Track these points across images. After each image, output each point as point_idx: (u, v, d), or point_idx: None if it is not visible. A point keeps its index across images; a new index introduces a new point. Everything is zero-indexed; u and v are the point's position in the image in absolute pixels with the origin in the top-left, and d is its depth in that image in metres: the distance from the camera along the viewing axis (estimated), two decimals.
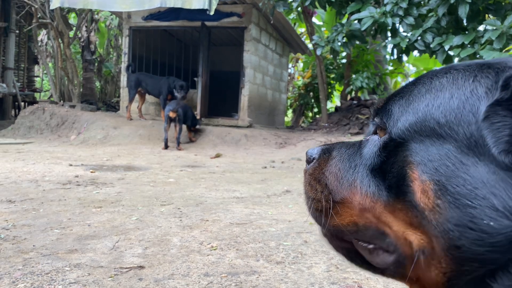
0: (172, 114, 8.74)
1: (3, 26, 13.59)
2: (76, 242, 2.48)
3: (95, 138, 9.69)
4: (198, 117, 10.38)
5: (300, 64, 19.93)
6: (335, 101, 18.80)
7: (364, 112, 11.37)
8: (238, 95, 11.54)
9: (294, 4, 9.16)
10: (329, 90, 14.44)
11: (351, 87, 12.01)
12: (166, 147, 8.77)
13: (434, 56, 6.91)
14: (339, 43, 7.77)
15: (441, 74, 0.62)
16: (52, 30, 13.70)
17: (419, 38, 6.67)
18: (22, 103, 14.45)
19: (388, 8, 6.75)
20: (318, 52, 8.66)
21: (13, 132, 11.00)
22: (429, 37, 6.54)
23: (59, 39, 13.40)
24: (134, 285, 1.89)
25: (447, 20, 6.48)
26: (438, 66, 15.44)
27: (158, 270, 2.08)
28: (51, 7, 10.56)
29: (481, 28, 6.46)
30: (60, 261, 2.15)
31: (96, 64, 18.13)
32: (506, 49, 5.31)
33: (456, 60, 6.44)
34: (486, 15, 6.69)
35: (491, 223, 0.48)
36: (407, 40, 6.80)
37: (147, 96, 11.67)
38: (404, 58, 7.38)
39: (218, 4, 9.47)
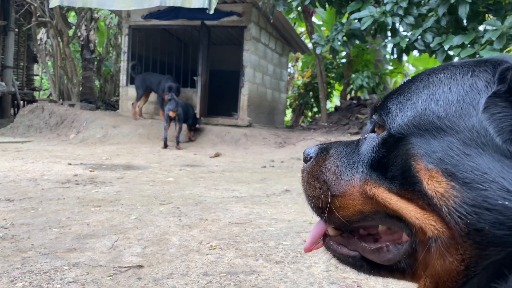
0: (172, 114, 8.74)
1: (2, 24, 13.57)
2: (75, 241, 2.47)
3: (94, 137, 9.68)
4: (197, 116, 10.37)
5: (300, 64, 19.92)
6: (334, 101, 18.80)
7: (364, 111, 11.37)
8: (237, 95, 11.53)
9: (294, 3, 9.15)
10: (329, 90, 14.44)
11: (351, 86, 12.01)
12: (166, 146, 8.76)
13: (434, 56, 6.90)
14: (339, 42, 7.76)
15: (438, 70, 0.64)
16: (51, 29, 13.69)
17: (419, 37, 6.66)
18: (21, 102, 14.44)
19: (388, 7, 6.75)
20: (318, 51, 8.65)
21: (12, 130, 10.99)
22: (429, 36, 6.54)
23: (59, 38, 13.38)
24: (133, 285, 1.89)
25: (447, 20, 6.47)
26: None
27: (157, 269, 2.08)
28: (51, 6, 10.54)
29: (481, 28, 6.46)
30: (58, 260, 2.14)
31: (95, 63, 18.12)
32: (507, 49, 5.31)
33: (456, 60, 6.44)
34: (486, 15, 6.69)
35: (506, 203, 0.49)
36: (407, 39, 6.79)
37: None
38: (404, 57, 7.38)
39: (218, 3, 9.45)
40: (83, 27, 16.49)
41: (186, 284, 1.91)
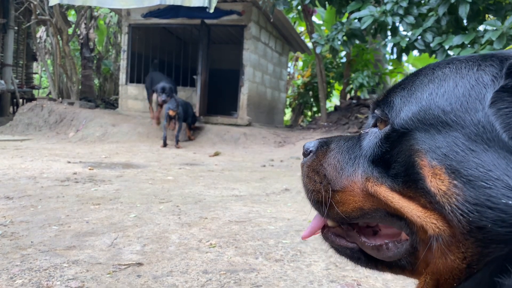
0: (172, 113, 8.73)
1: (1, 22, 13.55)
2: (74, 238, 2.47)
3: (94, 136, 9.67)
4: (197, 115, 10.36)
5: (300, 63, 19.92)
6: (333, 101, 18.80)
7: (364, 111, 11.36)
8: (237, 94, 11.52)
9: (294, 3, 9.15)
10: (329, 89, 14.44)
11: (351, 86, 12.01)
12: (165, 145, 8.76)
13: (434, 55, 6.90)
14: (339, 42, 7.76)
15: (443, 65, 0.63)
16: (51, 27, 13.66)
17: (419, 37, 6.66)
18: (21, 100, 14.41)
19: (388, 7, 6.75)
20: (318, 50, 8.64)
21: (11, 129, 10.97)
22: (429, 36, 6.54)
23: (58, 36, 13.35)
24: (132, 282, 1.88)
25: (447, 19, 6.47)
26: None
27: (157, 267, 2.07)
28: (50, 4, 10.52)
29: (481, 28, 6.46)
30: (58, 258, 2.14)
31: (95, 61, 18.09)
32: (506, 49, 5.31)
33: None
34: (487, 15, 6.69)
35: (510, 202, 0.49)
36: (407, 39, 6.79)
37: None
38: (404, 57, 7.39)
39: (218, 2, 9.45)
40: (83, 26, 16.46)
41: (186, 281, 1.91)
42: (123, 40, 12.54)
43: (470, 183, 0.52)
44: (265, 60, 12.63)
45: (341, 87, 14.05)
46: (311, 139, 8.26)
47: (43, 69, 20.19)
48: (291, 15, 14.84)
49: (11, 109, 14.47)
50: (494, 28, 5.57)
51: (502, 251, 0.50)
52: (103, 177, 4.74)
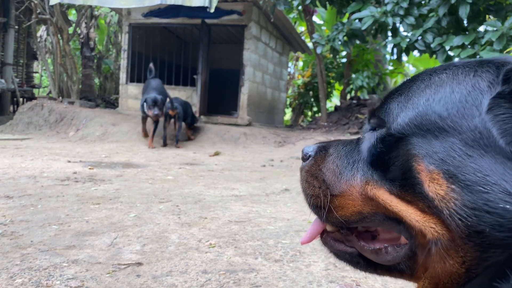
0: (171, 112, 8.74)
1: (2, 21, 13.55)
2: (74, 238, 2.47)
3: (94, 135, 9.67)
4: (197, 114, 10.36)
5: (300, 63, 19.92)
6: (334, 101, 18.80)
7: (364, 111, 11.37)
8: (237, 93, 11.53)
9: (295, 3, 9.16)
10: (329, 89, 14.44)
11: (351, 86, 12.01)
12: (165, 144, 8.76)
13: (434, 56, 6.91)
14: (340, 42, 7.77)
15: (440, 70, 0.63)
16: (51, 26, 13.66)
17: (419, 38, 6.67)
18: (21, 99, 14.42)
19: (388, 7, 6.75)
20: (318, 50, 8.65)
21: (11, 128, 10.98)
22: (429, 37, 6.54)
23: (59, 35, 13.36)
24: (132, 282, 1.89)
25: (447, 20, 6.47)
26: None
27: (156, 267, 2.08)
28: (51, 3, 10.54)
29: (481, 29, 6.46)
30: (58, 257, 2.14)
31: (95, 60, 18.09)
32: (507, 50, 5.31)
33: (456, 60, 6.44)
34: (487, 16, 6.69)
35: (507, 206, 0.49)
36: (408, 40, 6.80)
37: None
38: (404, 58, 7.40)
39: (218, 2, 9.44)
40: (83, 25, 16.47)
41: (185, 281, 1.91)
42: (124, 39, 12.55)
43: (468, 188, 0.52)
44: (265, 60, 12.64)
45: (341, 87, 14.07)
46: (311, 139, 8.28)
47: (44, 68, 20.20)
48: (291, 15, 14.83)
49: (11, 108, 14.47)
50: (494, 28, 5.57)
51: (501, 256, 0.50)
52: (103, 177, 4.74)
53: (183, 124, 9.40)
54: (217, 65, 14.33)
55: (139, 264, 2.11)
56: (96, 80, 19.03)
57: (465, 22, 6.68)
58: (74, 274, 1.94)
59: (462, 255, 0.54)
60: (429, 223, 0.57)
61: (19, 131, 10.68)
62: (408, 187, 0.59)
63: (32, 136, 9.86)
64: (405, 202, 0.60)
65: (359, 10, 7.48)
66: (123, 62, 12.48)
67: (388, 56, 13.84)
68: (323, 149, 0.79)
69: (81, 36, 16.72)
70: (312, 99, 15.80)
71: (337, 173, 0.73)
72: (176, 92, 11.35)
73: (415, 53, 7.39)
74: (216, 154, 7.93)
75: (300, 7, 10.60)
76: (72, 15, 18.36)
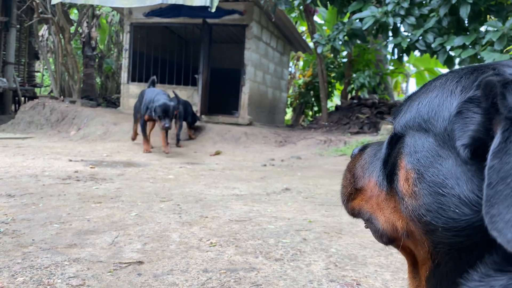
0: None
1: (4, 20, 13.57)
2: (75, 237, 2.49)
3: (95, 134, 9.69)
4: (198, 114, 10.36)
5: (301, 63, 19.92)
6: (334, 101, 18.80)
7: (364, 111, 11.37)
8: (238, 93, 11.54)
9: (296, 2, 9.16)
10: (330, 89, 14.44)
11: (352, 86, 12.02)
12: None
13: (435, 56, 6.90)
14: (340, 42, 7.76)
15: (439, 76, 0.68)
16: (53, 25, 13.68)
17: (420, 38, 6.66)
18: (22, 98, 14.43)
19: (389, 7, 6.75)
20: (319, 50, 8.65)
21: (13, 127, 11.00)
22: (430, 37, 6.54)
23: (60, 35, 13.38)
24: (133, 280, 1.90)
25: (448, 20, 6.47)
26: (438, 66, 15.46)
27: (157, 265, 2.09)
28: (52, 2, 10.55)
29: (482, 29, 6.45)
30: (59, 256, 2.15)
31: (96, 60, 18.11)
32: (507, 49, 5.31)
33: (457, 60, 6.44)
34: (488, 16, 6.68)
35: (456, 210, 0.53)
36: (408, 40, 6.79)
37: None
38: (405, 58, 7.38)
39: (219, 2, 9.46)
40: (85, 24, 16.49)
41: (186, 280, 1.92)
42: (125, 39, 12.56)
43: (429, 189, 0.56)
44: (266, 60, 12.64)
45: (342, 87, 14.07)
46: (312, 139, 8.28)
47: (45, 67, 20.22)
48: (292, 14, 14.84)
49: (13, 107, 14.49)
50: (495, 29, 5.57)
51: (453, 253, 0.55)
52: (105, 176, 4.75)
53: (184, 123, 9.41)
54: (218, 64, 14.34)
55: (140, 262, 2.12)
56: (98, 80, 19.05)
57: (466, 22, 6.68)
58: (75, 272, 1.96)
59: (427, 247, 0.59)
60: (400, 218, 0.63)
61: (20, 130, 10.70)
62: (391, 182, 0.65)
63: (34, 135, 9.88)
64: (389, 197, 0.67)
65: (360, 10, 7.48)
66: (125, 62, 12.49)
67: (388, 56, 13.84)
68: (363, 148, 0.87)
69: (83, 35, 16.74)
70: (313, 99, 15.80)
71: (364, 169, 0.80)
72: (177, 92, 11.30)
73: (416, 53, 7.38)
74: (217, 153, 7.94)
75: (301, 7, 10.60)
76: (74, 15, 18.39)
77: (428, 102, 0.62)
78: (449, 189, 0.53)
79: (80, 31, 16.47)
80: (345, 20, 8.27)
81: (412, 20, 6.72)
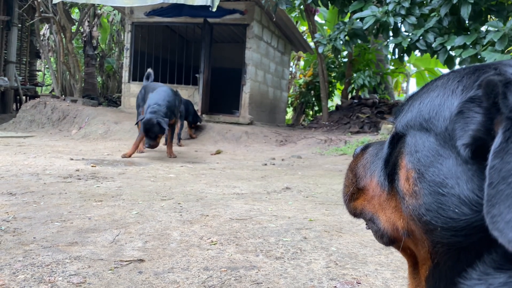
0: None
1: (5, 19, 13.59)
2: (76, 235, 2.49)
3: (96, 133, 9.70)
4: (199, 113, 10.37)
5: (302, 62, 19.93)
6: (334, 100, 18.80)
7: (365, 111, 11.37)
8: (239, 92, 11.55)
9: (297, 2, 9.16)
10: (330, 89, 14.45)
11: (352, 85, 12.02)
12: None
13: (435, 56, 6.91)
14: (341, 42, 7.77)
15: (441, 76, 0.68)
16: (54, 25, 13.70)
17: (420, 38, 6.66)
18: (24, 97, 14.45)
19: (390, 7, 6.75)
20: (320, 50, 8.65)
21: (14, 125, 11.02)
22: (430, 37, 6.54)
23: (61, 34, 13.40)
24: (134, 278, 1.91)
25: (449, 20, 6.47)
26: (439, 66, 15.45)
27: (158, 263, 2.10)
28: (54, 1, 10.57)
29: (483, 29, 6.46)
30: (60, 253, 2.16)
31: (98, 59, 18.13)
32: (508, 49, 5.31)
33: (457, 60, 6.44)
34: (489, 16, 6.68)
35: (456, 210, 0.53)
36: (409, 39, 6.79)
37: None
38: (405, 57, 7.38)
39: (220, 1, 9.46)
40: (86, 23, 16.51)
41: (187, 278, 1.93)
42: (126, 38, 12.57)
43: (429, 189, 0.56)
44: (267, 59, 12.65)
45: (342, 87, 14.08)
46: (313, 138, 8.28)
47: (46, 66, 20.25)
48: (293, 14, 14.84)
49: (14, 106, 14.52)
50: (496, 29, 5.57)
51: (452, 253, 0.55)
52: (106, 174, 4.76)
53: (185, 122, 9.42)
54: (219, 64, 14.35)
55: (141, 260, 2.13)
56: (99, 79, 19.07)
57: (466, 22, 6.68)
58: (77, 270, 1.96)
59: (427, 246, 0.59)
60: (401, 217, 0.63)
61: (22, 129, 10.72)
62: (392, 181, 0.65)
63: (35, 134, 9.90)
64: (390, 197, 0.66)
65: (360, 10, 7.48)
66: (126, 61, 12.50)
67: (389, 56, 13.85)
68: (365, 148, 0.87)
69: (84, 34, 16.76)
70: (314, 99, 15.81)
71: (366, 168, 0.80)
72: (178, 91, 11.35)
73: (416, 53, 7.38)
74: (218, 152, 7.95)
75: (302, 7, 10.60)
76: (75, 14, 18.41)
77: (429, 101, 0.62)
78: (449, 189, 0.53)
79: (82, 30, 16.49)
80: (346, 20, 8.27)
81: (412, 19, 6.72)
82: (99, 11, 17.21)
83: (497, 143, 0.47)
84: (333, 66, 14.11)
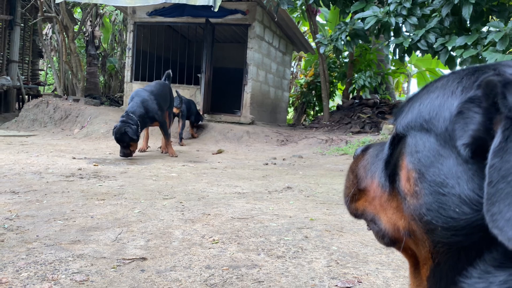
0: (175, 110, 8.77)
1: (8, 19, 13.62)
2: (79, 233, 2.51)
3: (98, 132, 9.72)
4: (201, 113, 10.39)
5: (303, 63, 19.93)
6: (335, 100, 18.80)
7: (366, 111, 11.38)
8: (241, 92, 11.56)
9: (298, 2, 9.18)
10: (331, 89, 14.45)
11: (354, 86, 12.02)
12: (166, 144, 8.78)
13: (436, 56, 6.91)
14: (342, 42, 7.78)
15: (441, 77, 0.69)
16: (57, 24, 13.72)
17: (422, 38, 6.67)
18: (26, 96, 14.49)
19: (391, 7, 6.76)
20: (321, 50, 8.66)
21: (16, 124, 11.05)
22: (432, 37, 6.54)
23: (64, 33, 13.42)
24: (136, 276, 1.92)
25: (450, 20, 6.47)
26: (440, 67, 15.44)
27: (160, 262, 2.11)
28: (56, 1, 10.58)
29: (484, 29, 6.46)
30: (63, 252, 2.18)
31: (100, 58, 18.14)
32: (510, 51, 5.32)
33: (458, 61, 6.44)
34: (490, 17, 6.69)
35: (456, 210, 0.54)
36: (410, 40, 6.80)
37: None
38: (406, 58, 7.38)
39: (222, 1, 9.48)
40: (88, 23, 16.52)
41: (189, 276, 1.95)
42: (128, 38, 12.59)
43: (430, 189, 0.57)
44: (268, 59, 12.66)
45: (343, 87, 14.07)
46: (314, 138, 8.28)
47: (49, 65, 20.28)
48: (295, 14, 14.85)
49: (16, 105, 14.55)
50: (497, 29, 5.57)
51: (453, 253, 0.56)
52: (108, 173, 4.78)
53: (187, 122, 9.44)
54: (220, 64, 14.36)
55: (143, 259, 2.14)
56: (101, 78, 19.09)
57: (468, 22, 6.68)
58: (79, 268, 1.98)
59: (428, 246, 0.59)
60: (402, 217, 0.64)
61: (24, 128, 10.75)
62: (393, 182, 0.66)
63: (37, 133, 9.92)
64: (392, 198, 0.67)
65: (362, 10, 7.49)
66: (128, 60, 12.52)
67: (390, 56, 13.85)
68: (366, 149, 0.87)
69: (86, 34, 16.77)
70: (315, 99, 15.82)
71: (367, 169, 0.80)
72: (180, 91, 11.37)
73: (418, 53, 7.38)
74: (219, 152, 7.96)
75: (303, 7, 10.62)
76: (78, 13, 18.43)
77: (430, 102, 0.62)
78: (450, 189, 0.54)
79: (84, 30, 16.50)
80: (347, 20, 8.28)
81: (414, 20, 6.73)
82: (101, 11, 17.24)
83: (497, 142, 0.48)
84: (334, 66, 14.12)
